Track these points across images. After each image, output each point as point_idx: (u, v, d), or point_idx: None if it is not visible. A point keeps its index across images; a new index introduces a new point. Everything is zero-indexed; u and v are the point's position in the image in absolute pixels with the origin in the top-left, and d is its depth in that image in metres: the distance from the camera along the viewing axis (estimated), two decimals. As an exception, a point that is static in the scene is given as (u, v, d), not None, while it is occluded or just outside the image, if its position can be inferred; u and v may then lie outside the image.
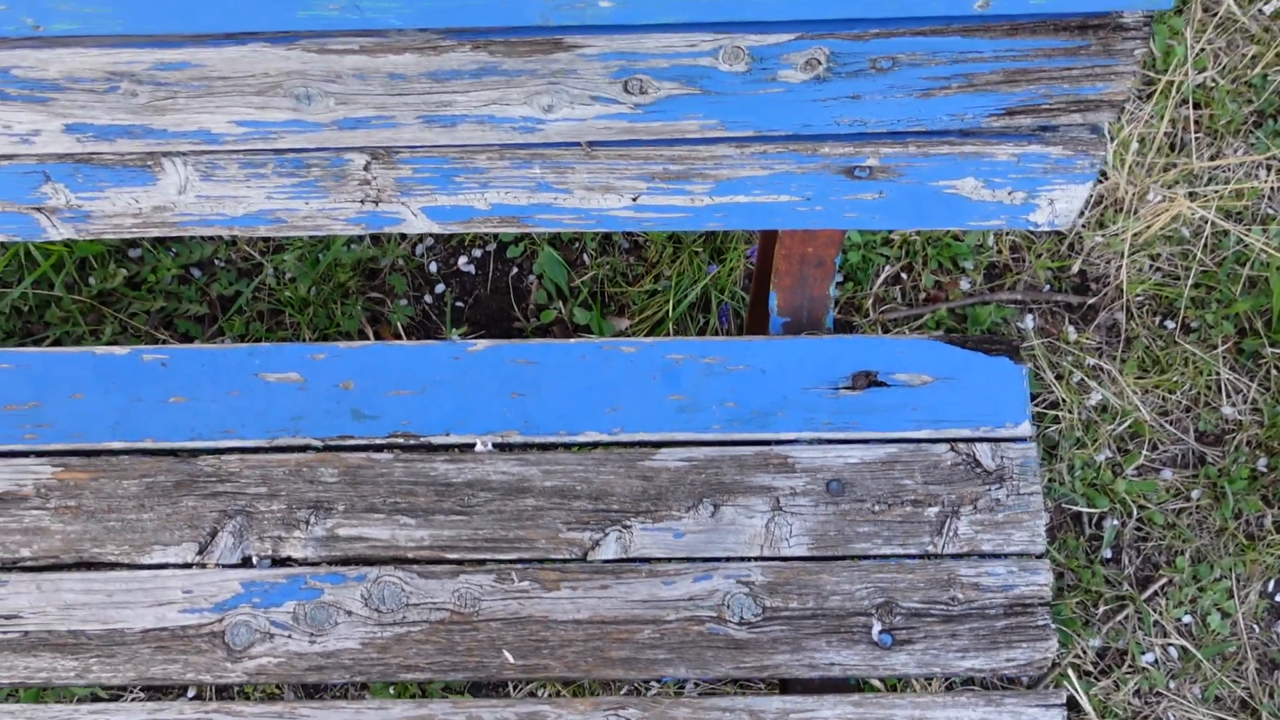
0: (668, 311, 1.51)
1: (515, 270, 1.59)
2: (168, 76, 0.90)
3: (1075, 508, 1.47)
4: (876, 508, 1.13)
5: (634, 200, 1.02)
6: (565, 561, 1.12)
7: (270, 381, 1.18)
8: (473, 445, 1.16)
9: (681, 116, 0.94)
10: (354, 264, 1.55)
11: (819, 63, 0.89)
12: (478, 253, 1.59)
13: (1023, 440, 1.14)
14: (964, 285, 1.58)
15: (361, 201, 1.03)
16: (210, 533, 1.14)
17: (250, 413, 1.17)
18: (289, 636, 1.10)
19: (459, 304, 1.57)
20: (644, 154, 0.98)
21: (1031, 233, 1.60)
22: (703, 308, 1.55)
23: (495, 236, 1.59)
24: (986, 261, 1.58)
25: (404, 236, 1.59)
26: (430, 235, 1.60)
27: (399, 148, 0.97)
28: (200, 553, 1.13)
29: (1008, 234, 1.59)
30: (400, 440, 1.16)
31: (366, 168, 0.99)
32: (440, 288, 1.58)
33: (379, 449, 1.16)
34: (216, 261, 1.58)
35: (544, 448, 1.16)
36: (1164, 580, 1.44)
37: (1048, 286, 1.59)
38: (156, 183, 1.01)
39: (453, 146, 0.97)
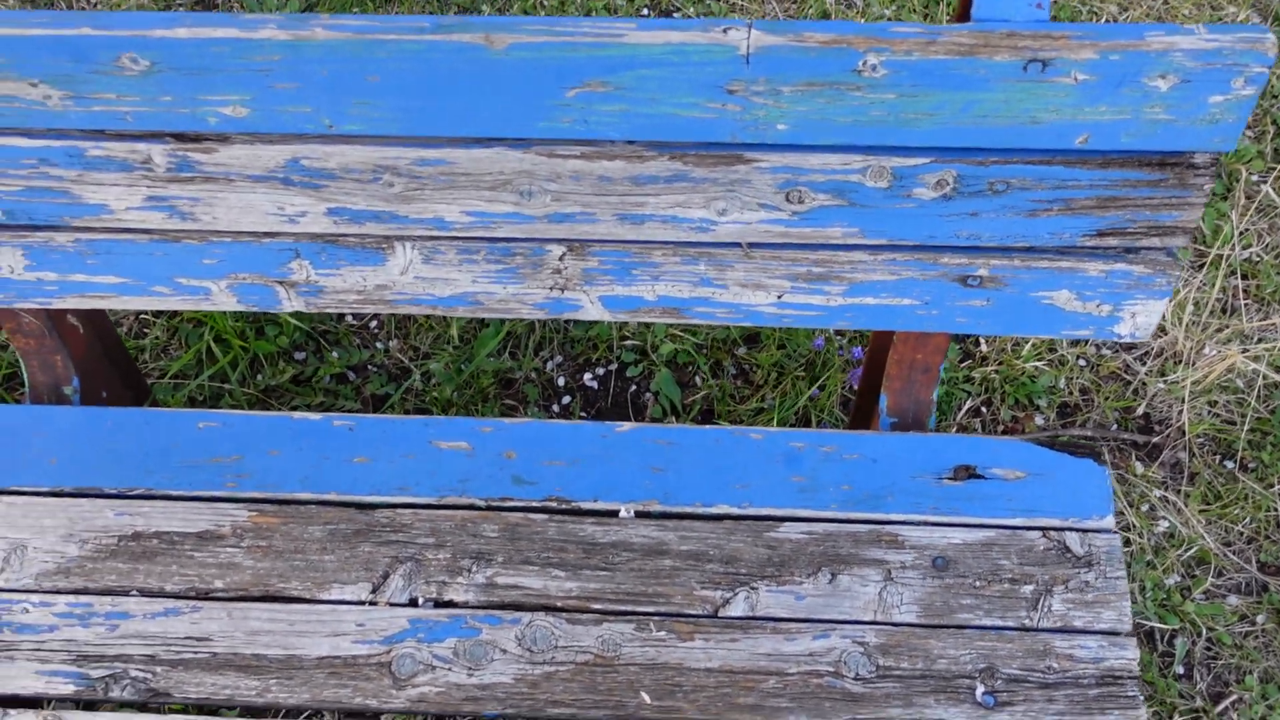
0: (771, 428, 1.67)
1: (634, 388, 1.78)
2: (422, 171, 1.12)
3: (1149, 624, 1.58)
4: (978, 583, 1.26)
5: (779, 298, 1.22)
6: (698, 616, 1.25)
7: (442, 448, 1.35)
8: (617, 512, 1.31)
9: (829, 224, 1.14)
10: (494, 373, 1.74)
11: (947, 183, 1.10)
12: (600, 371, 1.79)
13: (1108, 531, 1.28)
14: (1038, 420, 1.74)
15: (550, 288, 1.23)
16: (383, 575, 1.28)
17: (423, 474, 1.34)
18: (449, 669, 1.23)
19: (583, 414, 1.75)
20: (792, 256, 1.18)
21: (1099, 374, 1.78)
22: (803, 424, 1.71)
23: (618, 357, 1.79)
24: (1059, 401, 1.75)
25: (537, 352, 1.79)
26: (559, 354, 1.80)
27: (592, 241, 1.18)
28: (373, 592, 1.28)
29: (1078, 377, 1.77)
30: (554, 504, 1.32)
31: (561, 258, 1.20)
32: (567, 399, 1.77)
33: (535, 510, 1.32)
34: (370, 366, 1.78)
35: (680, 516, 1.31)
36: (1234, 697, 1.54)
37: (1115, 425, 1.75)
38: (385, 263, 1.21)
39: (636, 242, 1.18)
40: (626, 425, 1.35)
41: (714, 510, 1.31)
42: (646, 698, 1.22)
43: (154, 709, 1.49)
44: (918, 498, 1.31)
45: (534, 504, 1.32)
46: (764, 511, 1.31)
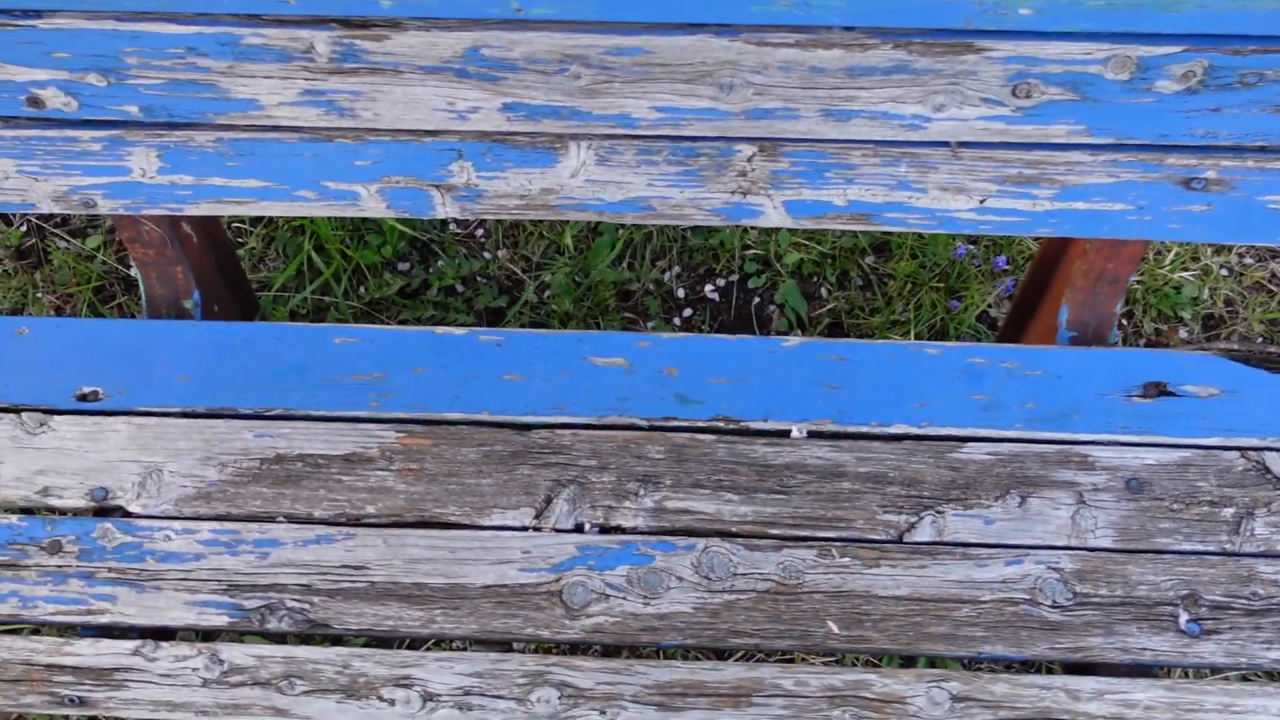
0: (908, 342, 1.59)
1: (757, 300, 1.69)
2: (614, 61, 1.01)
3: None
4: (1175, 506, 1.19)
5: (980, 202, 1.12)
6: (882, 542, 1.19)
7: (598, 365, 1.27)
8: (788, 432, 1.24)
9: (1054, 121, 1.05)
10: (613, 284, 1.65)
11: (1195, 74, 1.00)
12: (721, 282, 1.70)
13: (1310, 451, 1.22)
14: (1182, 334, 1.66)
15: (732, 192, 1.13)
16: (545, 499, 1.21)
17: (579, 392, 1.26)
18: (624, 598, 1.17)
19: (704, 328, 1.67)
20: (1004, 157, 1.09)
21: (1243, 285, 1.70)
22: (940, 339, 1.64)
23: (740, 267, 1.70)
24: (1203, 313, 1.68)
25: (654, 261, 1.70)
26: (678, 264, 1.71)
27: (788, 140, 1.08)
28: (537, 517, 1.21)
29: (1221, 288, 1.69)
30: (721, 424, 1.24)
31: (750, 159, 1.10)
32: (688, 312, 1.68)
33: (702, 430, 1.24)
34: (479, 278, 1.69)
35: (856, 437, 1.24)
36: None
37: (1261, 339, 1.67)
38: (555, 165, 1.12)
39: (836, 142, 1.08)
40: (794, 339, 1.27)
41: (892, 430, 1.24)
42: (834, 627, 1.16)
43: (314, 640, 1.43)
44: (1106, 416, 1.23)
45: (700, 424, 1.24)
46: (945, 431, 1.24)
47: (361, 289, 1.66)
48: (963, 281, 1.64)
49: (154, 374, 1.27)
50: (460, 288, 1.68)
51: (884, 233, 1.52)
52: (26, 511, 1.23)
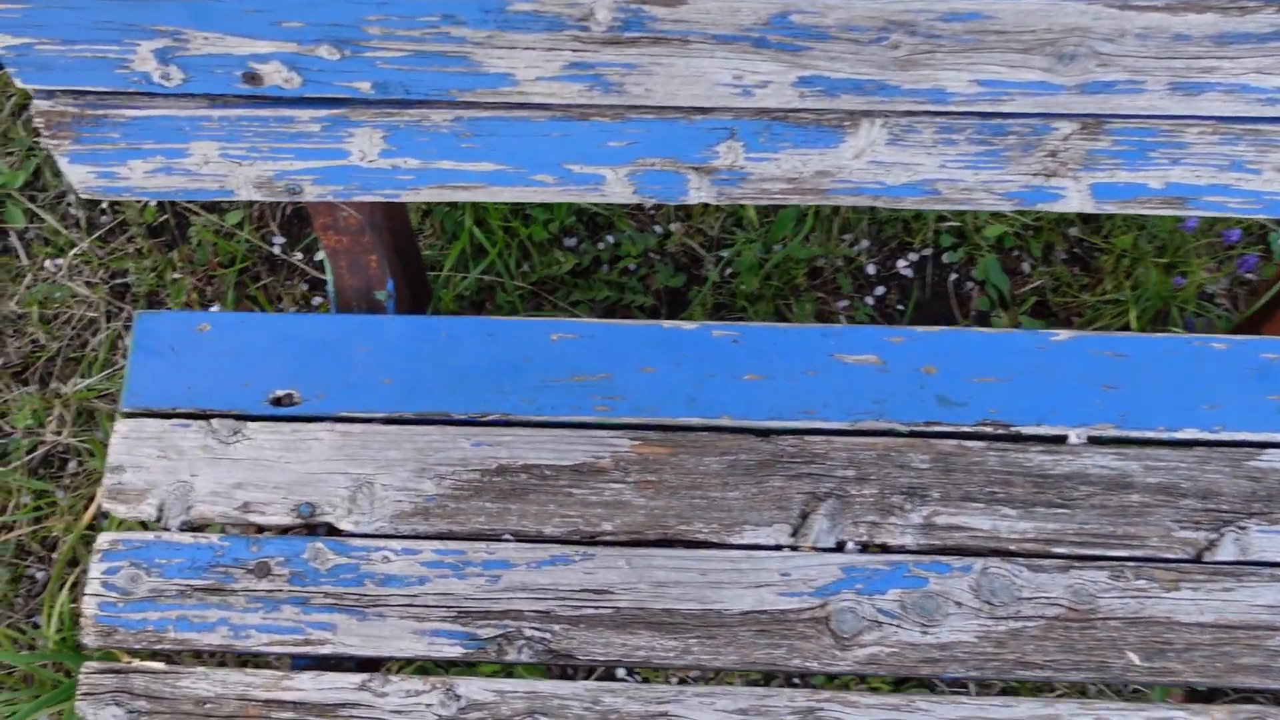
0: (1128, 323, 1.47)
1: (954, 276, 1.56)
2: (944, 28, 0.87)
3: None
4: None
5: (1320, 186, 0.99)
6: (1180, 561, 1.07)
7: (848, 363, 1.14)
8: (1065, 437, 1.12)
9: None
10: (804, 261, 1.52)
11: None
12: (914, 257, 1.57)
13: None
14: None
15: (1035, 174, 1.00)
16: (801, 514, 1.10)
17: (830, 393, 1.13)
18: (898, 625, 1.06)
19: (899, 308, 1.54)
20: (1363, 136, 0.95)
21: None
22: (1159, 322, 1.51)
23: (934, 240, 1.57)
24: None
25: (842, 235, 1.56)
26: (866, 238, 1.57)
27: (1118, 117, 0.95)
28: (793, 535, 1.09)
29: None
30: (990, 429, 1.12)
31: (1067, 138, 0.96)
32: (880, 290, 1.55)
33: (968, 436, 1.12)
34: (652, 255, 1.56)
35: (1142, 443, 1.12)
36: None
37: None
38: (838, 145, 0.98)
39: (1174, 118, 0.94)
40: (1064, 333, 1.14)
41: (1181, 436, 1.11)
42: (1134, 658, 1.04)
43: (556, 673, 1.32)
44: None
45: (966, 429, 1.12)
46: (1240, 436, 1.11)
47: (526, 266, 1.53)
48: (1182, 256, 1.50)
49: (353, 375, 1.15)
50: (633, 265, 1.55)
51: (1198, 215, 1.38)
52: (226, 529, 1.12)
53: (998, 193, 1.02)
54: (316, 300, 1.55)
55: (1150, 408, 1.12)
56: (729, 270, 1.53)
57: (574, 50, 0.90)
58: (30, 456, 1.47)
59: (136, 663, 1.07)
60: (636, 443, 1.12)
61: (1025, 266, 1.55)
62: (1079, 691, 1.41)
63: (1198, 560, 1.07)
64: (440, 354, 1.16)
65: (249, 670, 1.07)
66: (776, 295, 1.50)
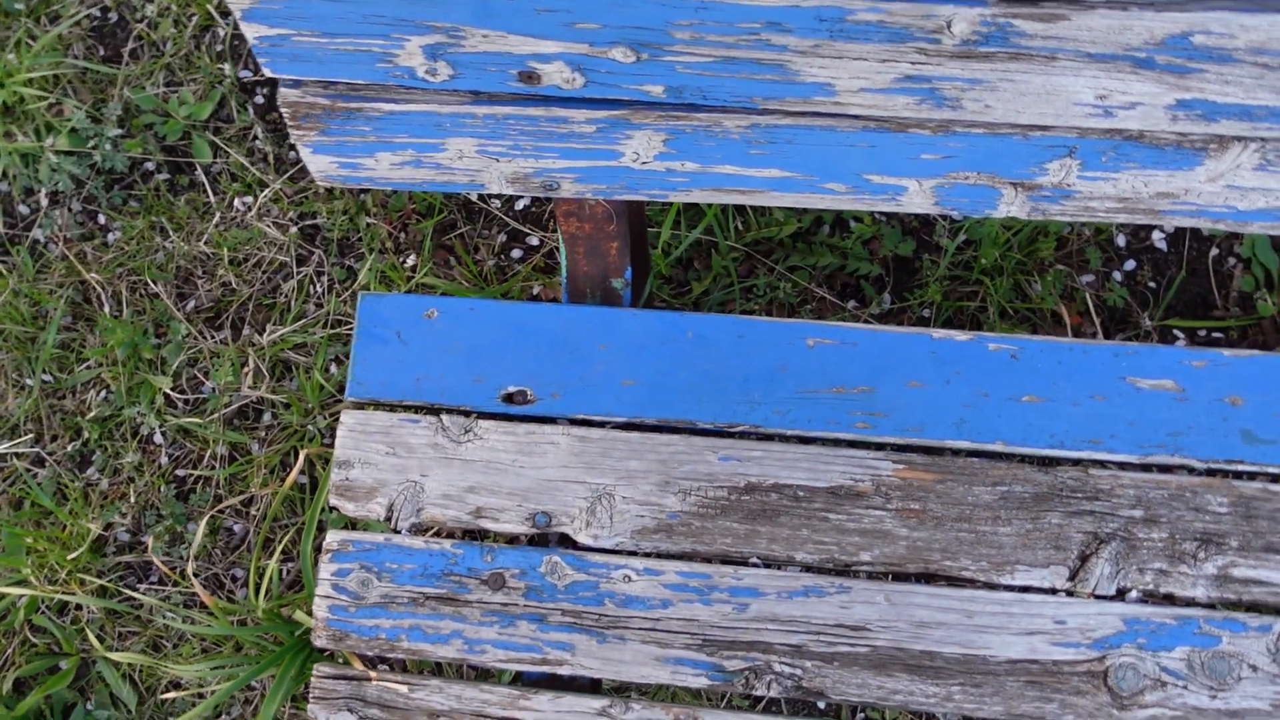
0: None
1: (1215, 251, 1.40)
2: (1376, 56, 0.72)
3: None
4: None
5: None
6: None
7: (1142, 389, 1.02)
8: (1389, 487, 0.99)
9: None
10: (1052, 231, 1.38)
11: None
12: (1170, 228, 1.41)
13: None
14: None
15: None
16: (1080, 556, 1.00)
17: (1120, 422, 1.02)
18: (1184, 687, 0.97)
19: (1151, 284, 1.40)
20: None
21: None
22: None
23: (1194, 212, 1.40)
24: None
25: (1091, 203, 1.41)
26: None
27: None
28: (1071, 579, 1.00)
29: None
30: (1302, 472, 1.00)
31: None
32: (1130, 264, 1.40)
33: (1276, 479, 1.01)
34: (878, 216, 1.43)
35: None
36: None
37: None
38: (1195, 168, 0.84)
39: None
40: (1396, 367, 1.00)
41: None
42: None
43: (805, 713, 1.28)
44: None
45: (1274, 470, 1.00)
46: None
47: (739, 222, 1.42)
48: None
49: (591, 372, 1.07)
50: (853, 223, 1.42)
51: None
52: (462, 536, 1.07)
53: (1364, 221, 0.87)
54: (515, 252, 1.46)
55: None
56: (964, 238, 1.39)
57: (913, 63, 0.77)
58: (226, 409, 1.43)
59: (376, 678, 1.03)
60: (900, 466, 1.03)
61: (1298, 244, 1.39)
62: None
63: None
64: (686, 355, 1.07)
65: (484, 687, 1.03)
66: (1018, 268, 1.37)
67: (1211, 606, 0.99)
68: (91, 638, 1.34)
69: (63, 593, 1.38)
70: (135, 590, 1.41)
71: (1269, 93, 0.76)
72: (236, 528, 1.42)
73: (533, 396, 1.07)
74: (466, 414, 1.08)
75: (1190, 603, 0.99)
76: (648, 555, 1.04)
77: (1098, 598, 1.00)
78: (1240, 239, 1.40)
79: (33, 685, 1.40)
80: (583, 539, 1.04)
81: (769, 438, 1.05)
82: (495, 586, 1.04)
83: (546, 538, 1.06)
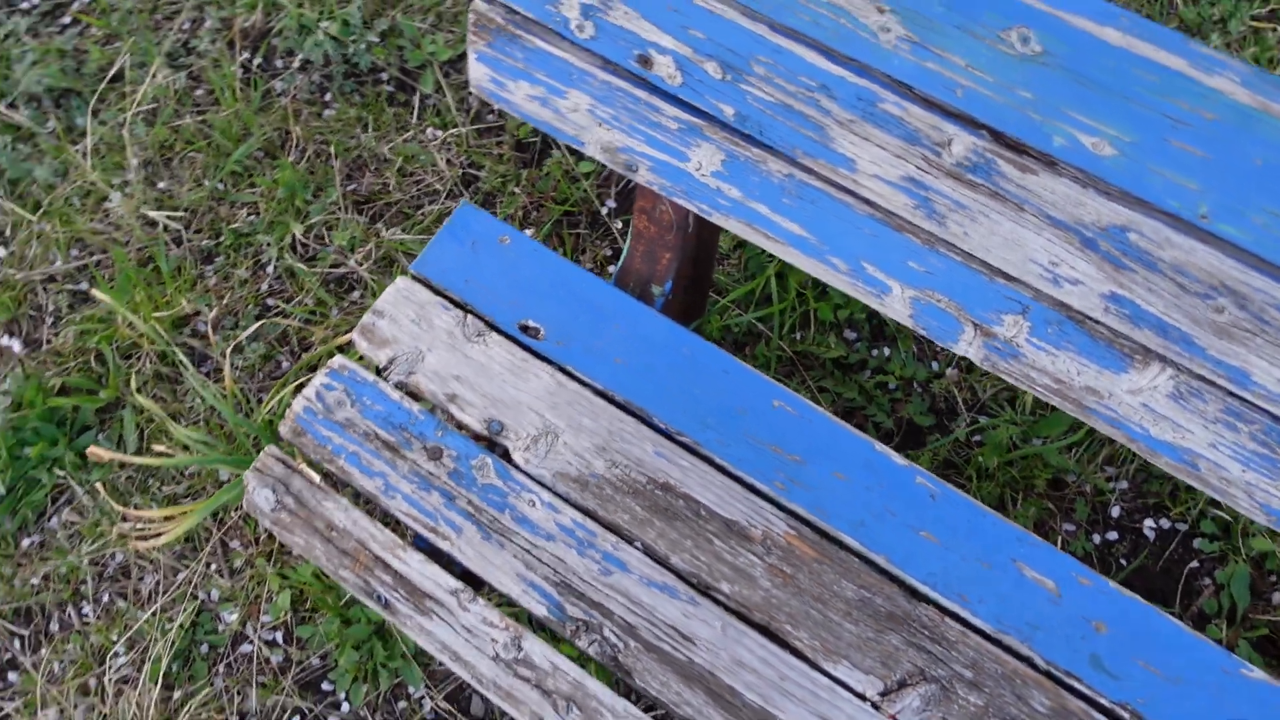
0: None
1: (1195, 563, 1.45)
2: (1277, 317, 0.83)
3: None
4: None
5: None
6: None
7: (1026, 576, 1.10)
8: (1200, 770, 1.03)
9: None
10: (1050, 467, 1.47)
11: None
12: (1165, 524, 1.47)
13: None
14: None
15: (1303, 503, 0.93)
16: (900, 682, 1.08)
17: (991, 594, 1.10)
18: (930, 836, 1.02)
19: (1122, 562, 1.46)
20: None
21: None
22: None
23: (1196, 520, 1.46)
24: None
25: (1105, 466, 1.49)
26: (1125, 480, 1.49)
27: None
28: (882, 695, 1.07)
29: None
30: (1126, 716, 1.05)
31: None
32: (1113, 535, 1.47)
33: (1102, 710, 1.06)
34: (915, 384, 1.55)
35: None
36: None
37: None
38: (1120, 374, 0.96)
39: None
40: (1259, 673, 1.05)
41: (1326, 843, 1.00)
42: None
43: (604, 678, 1.38)
44: None
45: (1103, 701, 1.06)
46: None
47: (799, 335, 1.57)
48: None
49: (597, 341, 1.24)
50: (893, 384, 1.55)
51: None
52: (429, 407, 1.24)
53: (1257, 500, 0.96)
54: (611, 269, 1.66)
55: (1308, 797, 1.01)
56: (977, 437, 1.50)
57: (919, 168, 0.93)
58: (331, 270, 1.67)
59: (304, 466, 1.20)
60: (792, 532, 1.14)
61: (1277, 597, 1.42)
62: None
63: None
64: (675, 365, 1.22)
65: (379, 525, 1.18)
66: (1009, 484, 1.46)
67: (990, 784, 1.04)
68: (134, 383, 1.57)
69: (135, 339, 1.62)
70: (185, 368, 1.63)
71: (1182, 314, 0.88)
72: (285, 364, 1.64)
73: (543, 335, 1.25)
74: (488, 323, 1.26)
75: (973, 772, 1.04)
76: (556, 495, 1.17)
77: (895, 722, 1.07)
78: (1224, 564, 1.44)
79: (70, 392, 1.63)
80: (517, 457, 1.20)
81: (703, 458, 1.18)
82: (432, 456, 1.20)
83: (492, 443, 1.22)
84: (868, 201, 1.01)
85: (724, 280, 1.59)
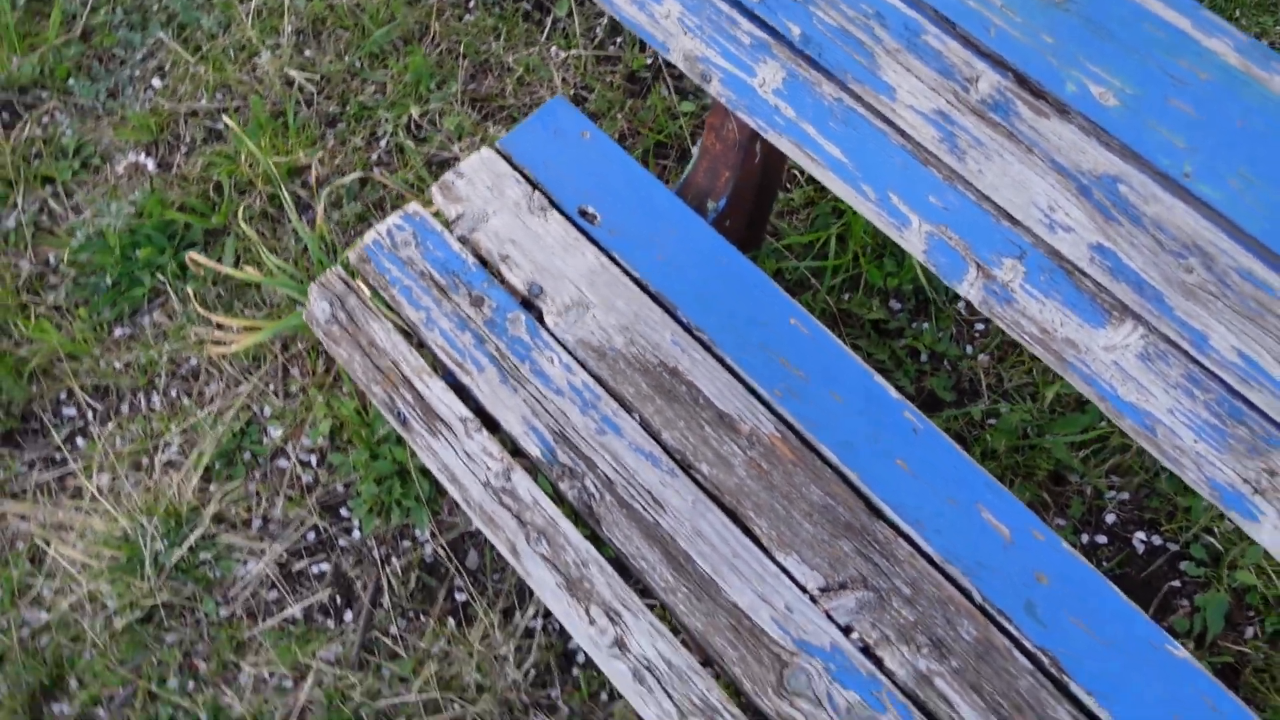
0: (1295, 751, 1.33)
1: (1178, 582, 1.48)
2: (1237, 282, 0.89)
3: None
4: None
5: None
6: None
7: (984, 518, 1.17)
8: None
9: None
10: (1058, 461, 1.52)
11: None
12: (1157, 540, 1.50)
13: None
14: None
15: (1244, 480, 0.98)
16: (841, 584, 1.15)
17: (951, 527, 1.17)
18: (831, 717, 1.09)
19: (1105, 563, 1.49)
20: None
21: None
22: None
23: (1188, 544, 1.49)
24: None
25: (1110, 473, 1.53)
26: (1126, 490, 1.53)
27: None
28: (822, 590, 1.15)
29: None
30: (1045, 661, 1.11)
31: (1290, 465, 0.94)
32: (1102, 539, 1.51)
33: (1024, 651, 1.11)
34: (945, 360, 1.61)
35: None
36: None
37: None
38: (1098, 329, 1.02)
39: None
40: (1183, 653, 1.09)
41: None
42: None
43: (575, 521, 1.49)
44: None
45: (1027, 644, 1.12)
46: None
47: (847, 295, 1.65)
48: None
49: (645, 237, 1.34)
50: (925, 356, 1.62)
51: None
52: (483, 261, 1.36)
53: (1204, 474, 1.01)
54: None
55: (1200, 772, 1.05)
56: (992, 420, 1.55)
57: (948, 102, 1.02)
58: (436, 152, 1.82)
59: (363, 287, 1.34)
60: (778, 435, 1.22)
61: (1250, 631, 1.45)
62: None
63: None
64: (710, 271, 1.32)
65: (414, 350, 1.31)
66: (1010, 468, 1.51)
67: (902, 691, 1.11)
68: (242, 215, 1.74)
69: (252, 178, 1.80)
70: (289, 208, 1.80)
71: (1157, 272, 0.94)
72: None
73: (599, 222, 1.36)
74: (552, 202, 1.38)
75: (889, 674, 1.11)
76: (574, 358, 1.28)
77: (829, 617, 1.14)
78: (1207, 589, 1.47)
79: (186, 211, 1.81)
80: (548, 320, 1.31)
81: (715, 355, 1.28)
82: (474, 303, 1.33)
83: (529, 304, 1.34)
84: (901, 132, 1.09)
85: (787, 230, 1.68)
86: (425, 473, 1.63)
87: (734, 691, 1.47)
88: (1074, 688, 1.09)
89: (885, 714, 1.09)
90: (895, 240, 1.16)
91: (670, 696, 1.13)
